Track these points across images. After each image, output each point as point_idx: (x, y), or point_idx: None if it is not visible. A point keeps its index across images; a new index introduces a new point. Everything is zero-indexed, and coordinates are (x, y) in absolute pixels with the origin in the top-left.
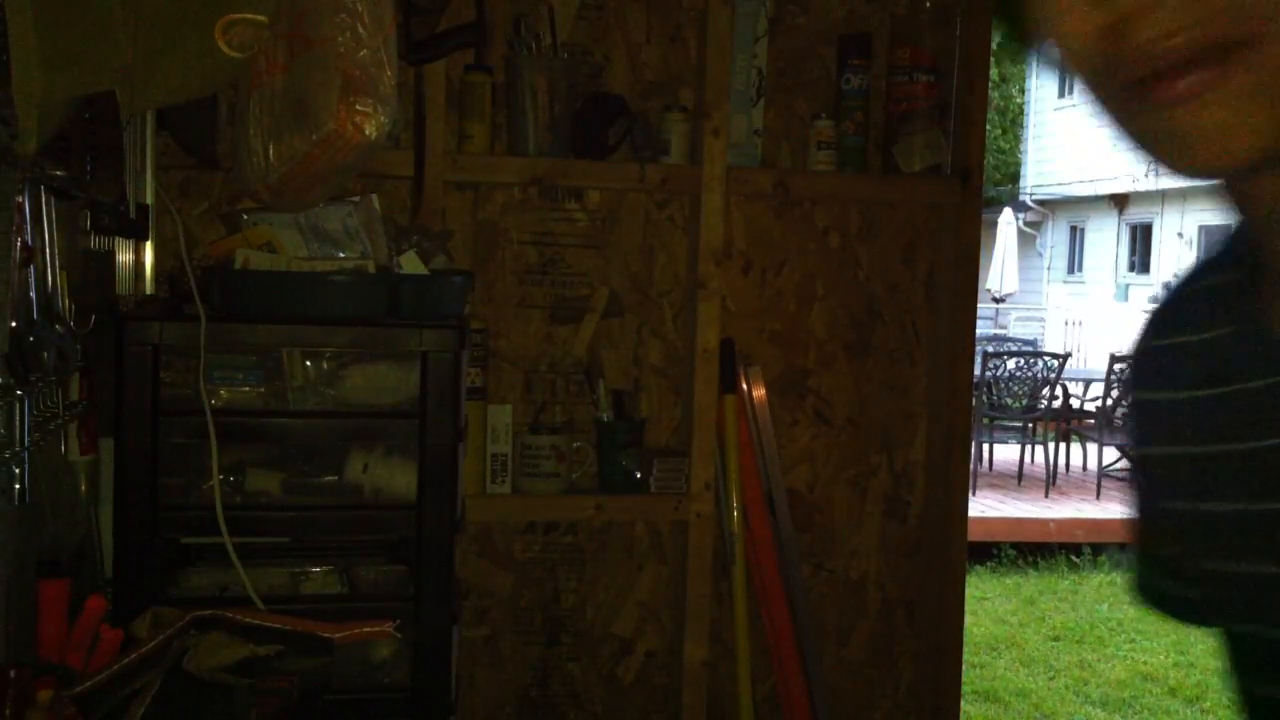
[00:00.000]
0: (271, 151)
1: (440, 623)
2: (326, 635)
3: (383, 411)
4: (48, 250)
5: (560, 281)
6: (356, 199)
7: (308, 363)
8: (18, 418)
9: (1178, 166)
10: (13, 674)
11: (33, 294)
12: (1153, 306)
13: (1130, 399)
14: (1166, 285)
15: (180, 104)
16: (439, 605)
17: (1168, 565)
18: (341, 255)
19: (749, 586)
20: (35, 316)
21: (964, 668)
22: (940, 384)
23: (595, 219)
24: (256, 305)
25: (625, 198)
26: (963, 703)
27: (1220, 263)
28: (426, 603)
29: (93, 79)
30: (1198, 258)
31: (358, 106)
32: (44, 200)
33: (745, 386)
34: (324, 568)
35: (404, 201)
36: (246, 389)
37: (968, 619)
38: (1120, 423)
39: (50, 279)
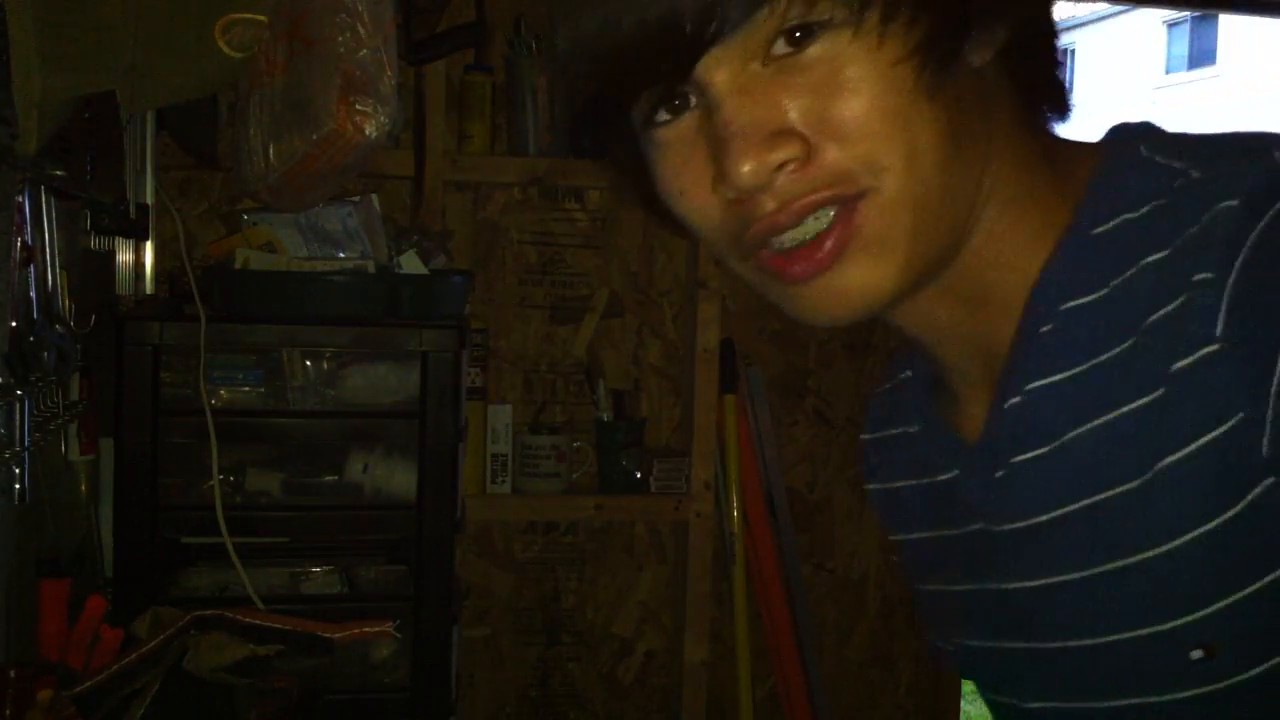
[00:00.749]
0: (271, 151)
1: (440, 623)
2: (326, 635)
3: (383, 411)
4: (48, 250)
5: (560, 281)
6: (356, 199)
7: (308, 363)
8: (18, 418)
9: (817, 321)
10: (13, 674)
11: (33, 294)
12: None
13: (868, 489)
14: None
15: (180, 104)
16: (439, 605)
17: (936, 632)
18: (341, 255)
19: (749, 586)
20: (35, 316)
21: None
22: None
23: (595, 219)
24: (256, 305)
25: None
26: (963, 703)
27: (911, 361)
28: (426, 603)
29: (93, 79)
30: (898, 355)
31: (358, 106)
32: (44, 200)
33: (746, 387)
34: (324, 568)
35: (404, 201)
36: (246, 389)
37: None
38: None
39: (50, 279)
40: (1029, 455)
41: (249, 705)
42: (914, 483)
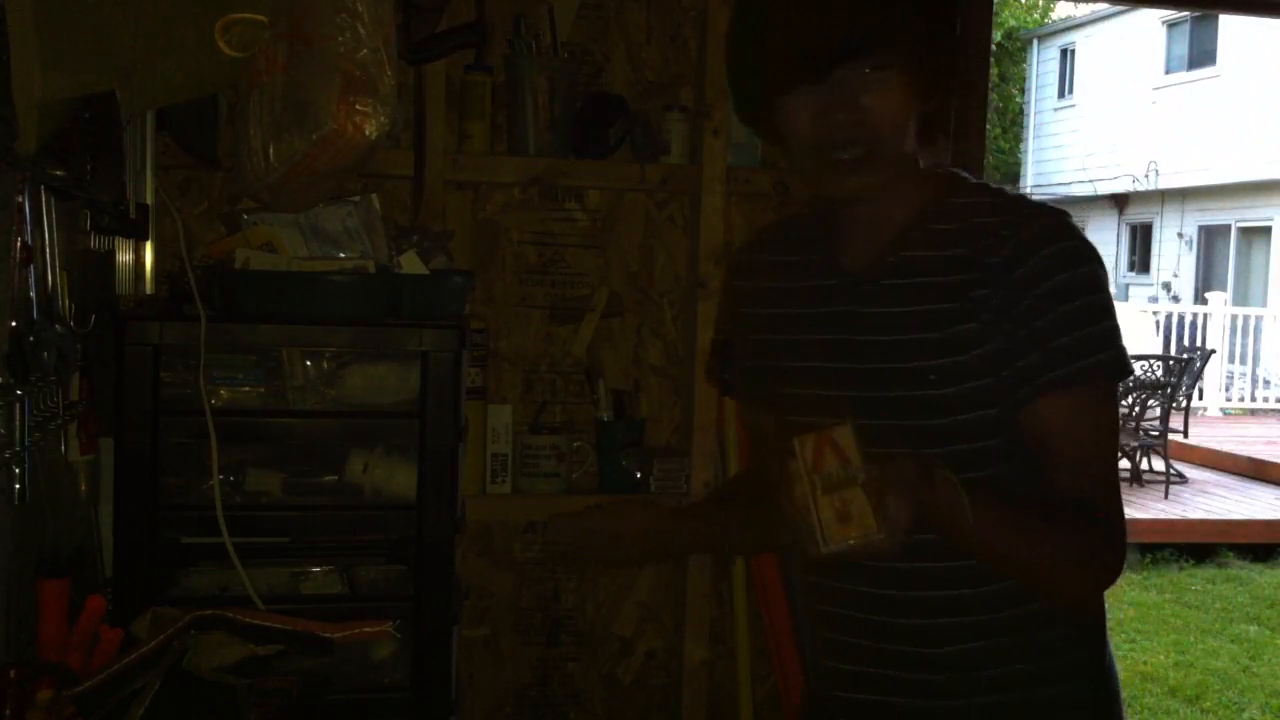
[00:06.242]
0: (271, 151)
1: (440, 623)
2: (326, 635)
3: (383, 411)
4: (48, 250)
5: (560, 281)
6: (356, 199)
7: (308, 363)
8: (18, 418)
9: (834, 193)
10: (13, 674)
11: (33, 294)
12: (759, 233)
13: (737, 285)
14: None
15: (180, 104)
16: (439, 605)
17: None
18: (341, 255)
19: (749, 586)
20: (35, 316)
21: None
22: None
23: (595, 219)
24: (256, 305)
25: (625, 198)
26: None
27: (806, 218)
28: (426, 603)
29: (93, 79)
30: (789, 216)
31: (358, 106)
32: (44, 200)
33: None
34: (324, 568)
35: (404, 201)
36: (246, 389)
37: None
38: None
39: (50, 279)
40: (891, 282)
41: (249, 705)
42: (796, 285)
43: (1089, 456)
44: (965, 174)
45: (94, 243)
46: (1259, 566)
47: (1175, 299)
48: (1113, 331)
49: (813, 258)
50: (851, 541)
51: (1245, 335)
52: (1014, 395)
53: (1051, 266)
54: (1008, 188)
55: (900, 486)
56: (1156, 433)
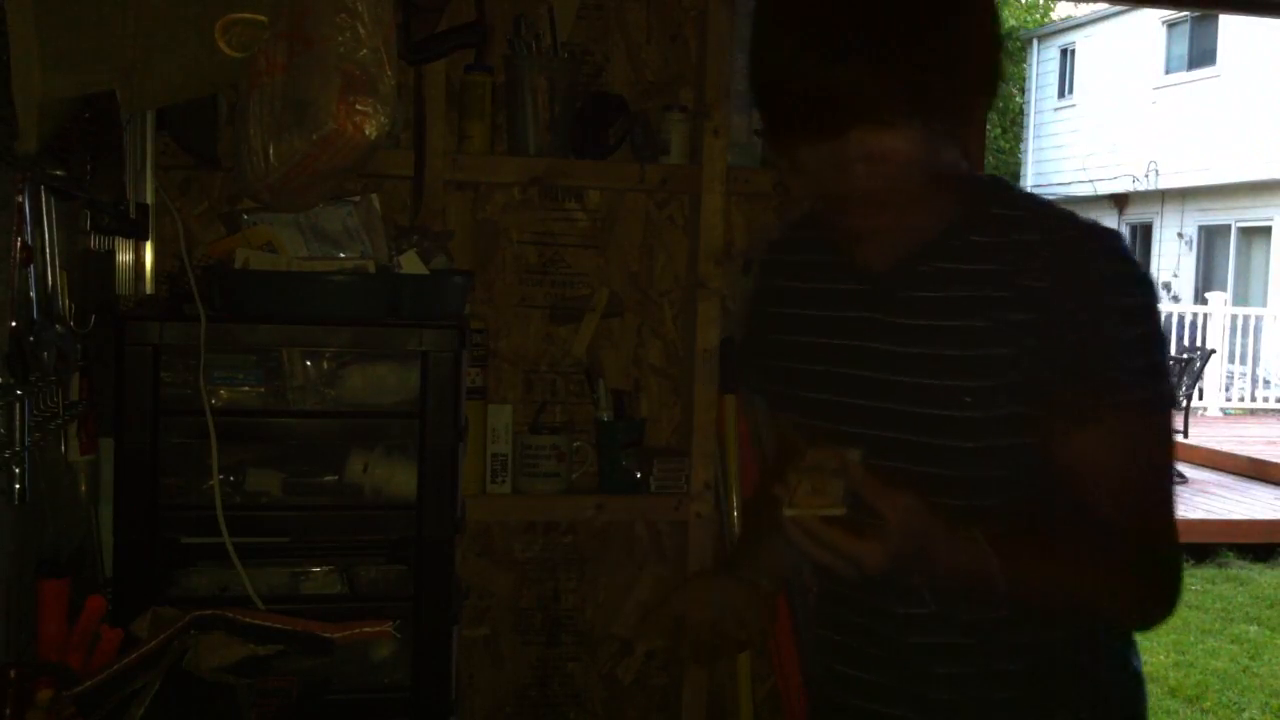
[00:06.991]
0: (271, 151)
1: (440, 623)
2: (326, 635)
3: (383, 411)
4: (48, 250)
5: (560, 281)
6: (356, 199)
7: (308, 363)
8: (18, 418)
9: (862, 229)
10: (13, 674)
11: (33, 294)
12: (779, 233)
13: (762, 281)
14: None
15: (180, 104)
16: (439, 605)
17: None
18: (341, 255)
19: None
20: (35, 316)
21: None
22: None
23: (595, 219)
24: (256, 305)
25: (625, 198)
26: None
27: (806, 226)
28: (426, 603)
29: (93, 79)
30: (814, 210)
31: (358, 106)
32: (44, 200)
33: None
34: (324, 568)
35: (404, 201)
36: (246, 389)
37: None
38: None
39: (50, 279)
40: (920, 294)
41: (249, 705)
42: (818, 286)
43: (1141, 493)
44: (1009, 181)
45: (94, 243)
46: (1259, 566)
47: (1175, 299)
48: (1164, 365)
49: (836, 258)
50: (814, 511)
51: (1245, 335)
52: (1050, 425)
53: (1101, 295)
54: (1054, 200)
55: (897, 506)
56: None
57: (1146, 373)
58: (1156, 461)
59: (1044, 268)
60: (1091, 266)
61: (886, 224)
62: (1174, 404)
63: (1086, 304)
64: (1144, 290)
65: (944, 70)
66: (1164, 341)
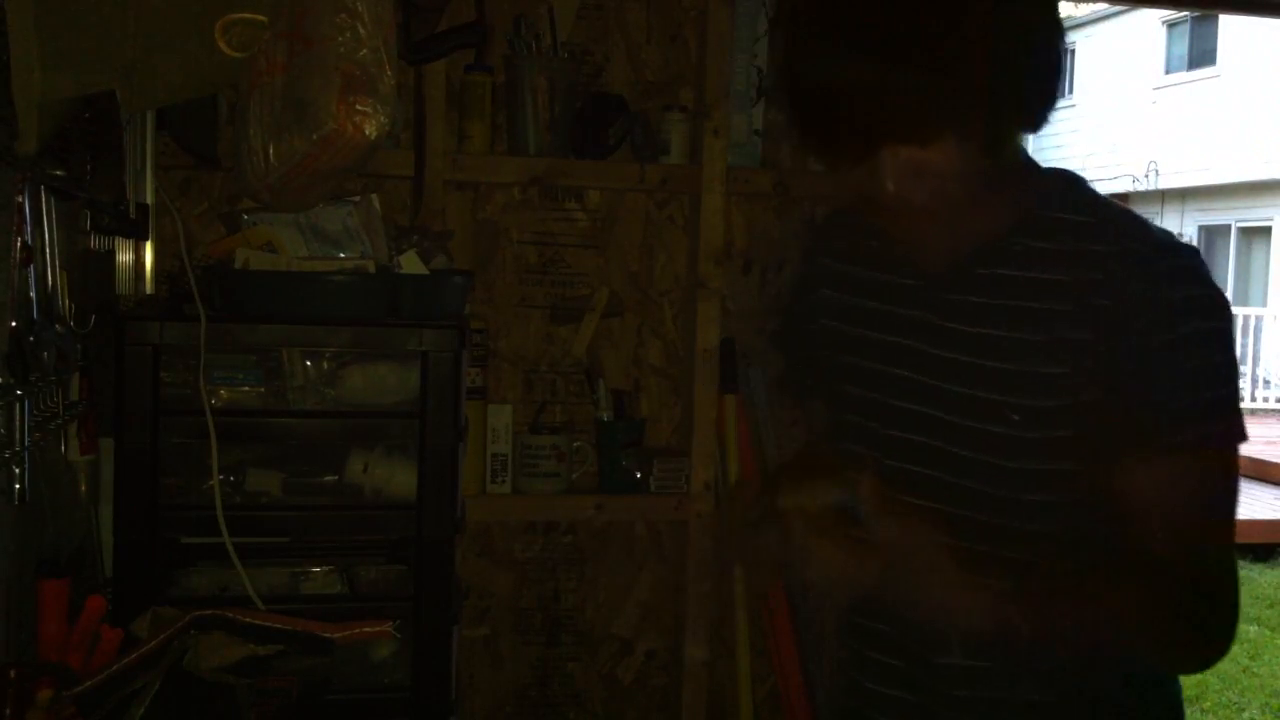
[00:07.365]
0: (271, 151)
1: (440, 623)
2: (326, 635)
3: (383, 411)
4: (48, 250)
5: (560, 281)
6: (356, 199)
7: (308, 363)
8: (18, 418)
9: (919, 237)
10: (13, 674)
11: (33, 294)
12: (830, 219)
13: (817, 265)
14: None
15: (180, 104)
16: (439, 605)
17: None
18: (341, 255)
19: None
20: (35, 316)
21: None
22: None
23: (595, 219)
24: (256, 305)
25: (625, 198)
26: None
27: (854, 216)
28: (426, 603)
29: (93, 79)
30: (835, 212)
31: (358, 106)
32: (44, 200)
33: (746, 387)
34: (324, 568)
35: (404, 201)
36: (246, 389)
37: None
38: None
39: (50, 279)
40: (978, 300)
41: (249, 705)
42: (876, 275)
43: (1203, 534)
44: (1079, 179)
45: (94, 243)
46: (1259, 566)
47: None
48: (1236, 399)
49: (892, 251)
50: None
51: (1245, 335)
52: (1106, 454)
53: (1174, 321)
54: (1132, 210)
55: (893, 527)
56: None
57: (1218, 406)
58: (1221, 501)
59: (1111, 284)
60: (1165, 287)
61: (941, 229)
62: (1244, 439)
63: (1158, 329)
64: (1221, 317)
65: (1009, 78)
66: (1237, 372)
